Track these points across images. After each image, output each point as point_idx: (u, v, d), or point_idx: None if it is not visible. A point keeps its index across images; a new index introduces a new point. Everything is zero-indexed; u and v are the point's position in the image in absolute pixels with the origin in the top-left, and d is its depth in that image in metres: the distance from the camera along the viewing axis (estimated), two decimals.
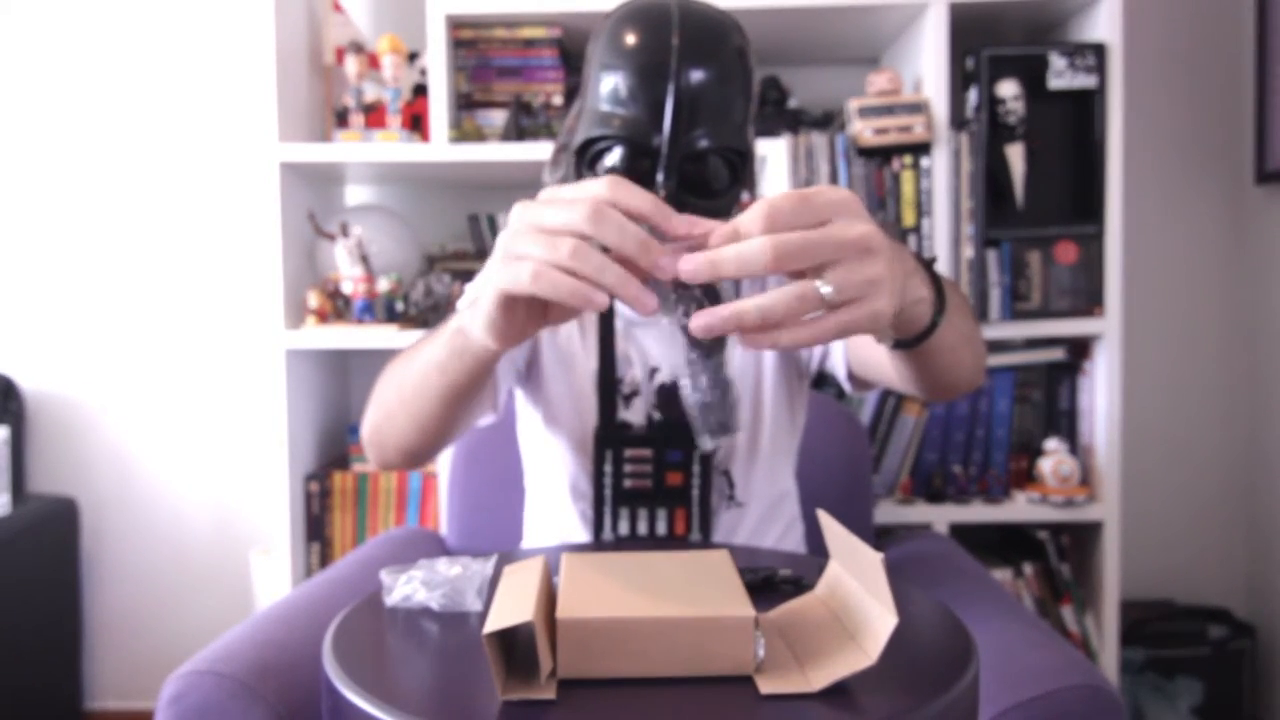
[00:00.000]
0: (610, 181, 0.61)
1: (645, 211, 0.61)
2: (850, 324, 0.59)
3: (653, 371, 1.10)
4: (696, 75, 0.92)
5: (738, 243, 0.58)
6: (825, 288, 0.58)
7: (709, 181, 0.97)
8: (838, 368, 1.11)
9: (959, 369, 0.89)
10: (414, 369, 0.87)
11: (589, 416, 1.09)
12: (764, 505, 1.14)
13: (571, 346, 1.11)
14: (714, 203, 0.98)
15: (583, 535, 1.12)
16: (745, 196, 1.07)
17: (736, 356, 1.10)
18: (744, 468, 1.12)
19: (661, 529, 1.05)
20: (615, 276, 0.59)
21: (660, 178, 0.93)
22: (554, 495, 1.14)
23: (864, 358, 1.02)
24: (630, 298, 0.59)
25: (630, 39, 0.94)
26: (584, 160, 0.99)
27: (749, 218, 0.59)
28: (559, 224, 0.61)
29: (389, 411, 0.93)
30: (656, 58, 0.92)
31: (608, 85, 0.95)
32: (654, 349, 1.11)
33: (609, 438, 1.04)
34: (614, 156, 0.96)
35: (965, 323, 0.85)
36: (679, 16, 0.94)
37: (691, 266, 0.58)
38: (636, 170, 0.96)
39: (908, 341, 0.75)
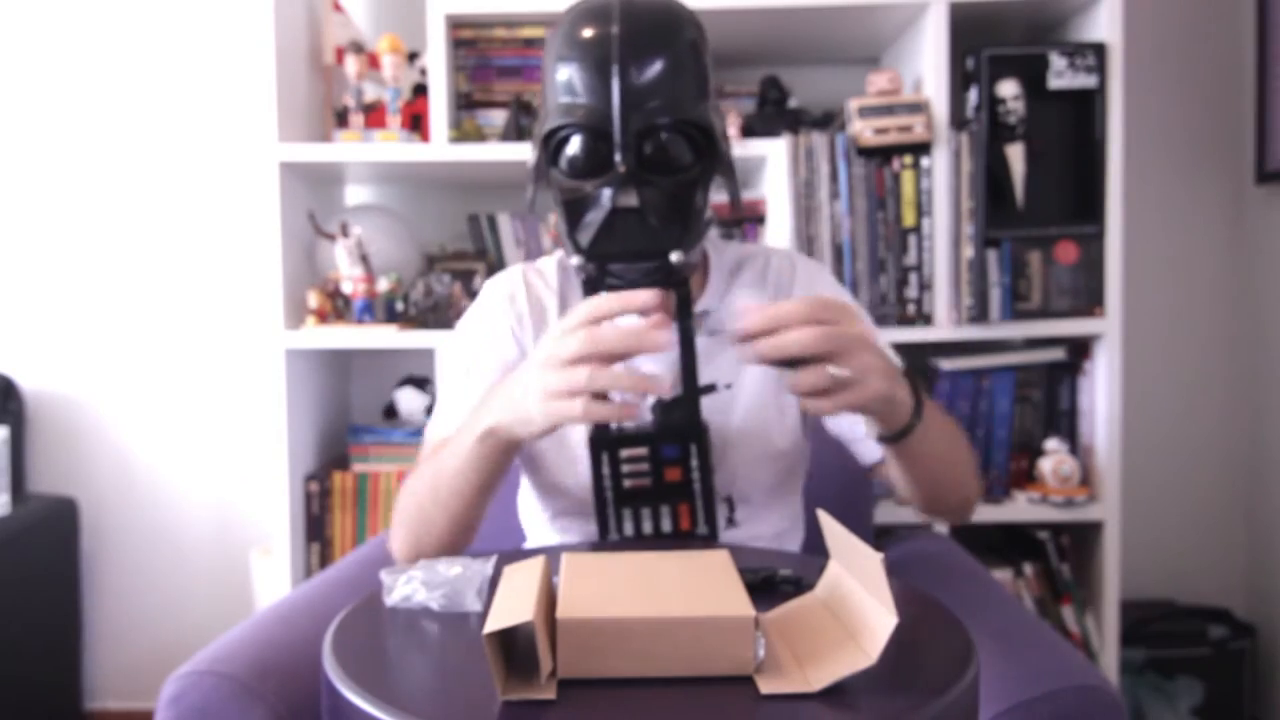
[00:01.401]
0: (598, 304, 0.81)
1: (638, 307, 0.81)
2: (857, 400, 0.79)
3: None
4: (640, 54, 0.95)
5: (791, 333, 0.78)
6: (837, 370, 0.77)
7: (669, 157, 0.98)
8: (862, 455, 1.17)
9: (947, 482, 1.01)
10: (445, 479, 0.96)
11: (582, 428, 1.08)
12: (768, 536, 1.16)
13: None
14: (677, 178, 0.98)
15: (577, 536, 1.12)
16: (725, 196, 1.07)
17: (742, 402, 1.12)
18: (746, 504, 1.13)
19: (667, 526, 1.04)
20: (629, 383, 0.80)
21: (617, 158, 0.95)
22: (554, 507, 1.15)
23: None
24: (644, 388, 0.82)
25: (576, 33, 0.97)
26: (549, 150, 1.01)
27: (795, 310, 0.78)
28: (573, 354, 0.80)
29: (425, 519, 0.99)
30: (600, 46, 0.95)
31: (562, 78, 0.98)
32: (647, 361, 1.10)
33: (603, 440, 1.04)
34: (574, 144, 0.98)
35: (947, 438, 0.98)
36: (620, 8, 0.97)
37: (758, 352, 0.79)
38: (596, 155, 0.97)
39: (893, 436, 0.90)
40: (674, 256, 0.97)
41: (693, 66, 0.99)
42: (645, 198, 0.96)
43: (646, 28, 0.97)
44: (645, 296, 0.82)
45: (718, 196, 1.11)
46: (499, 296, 1.16)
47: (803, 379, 0.79)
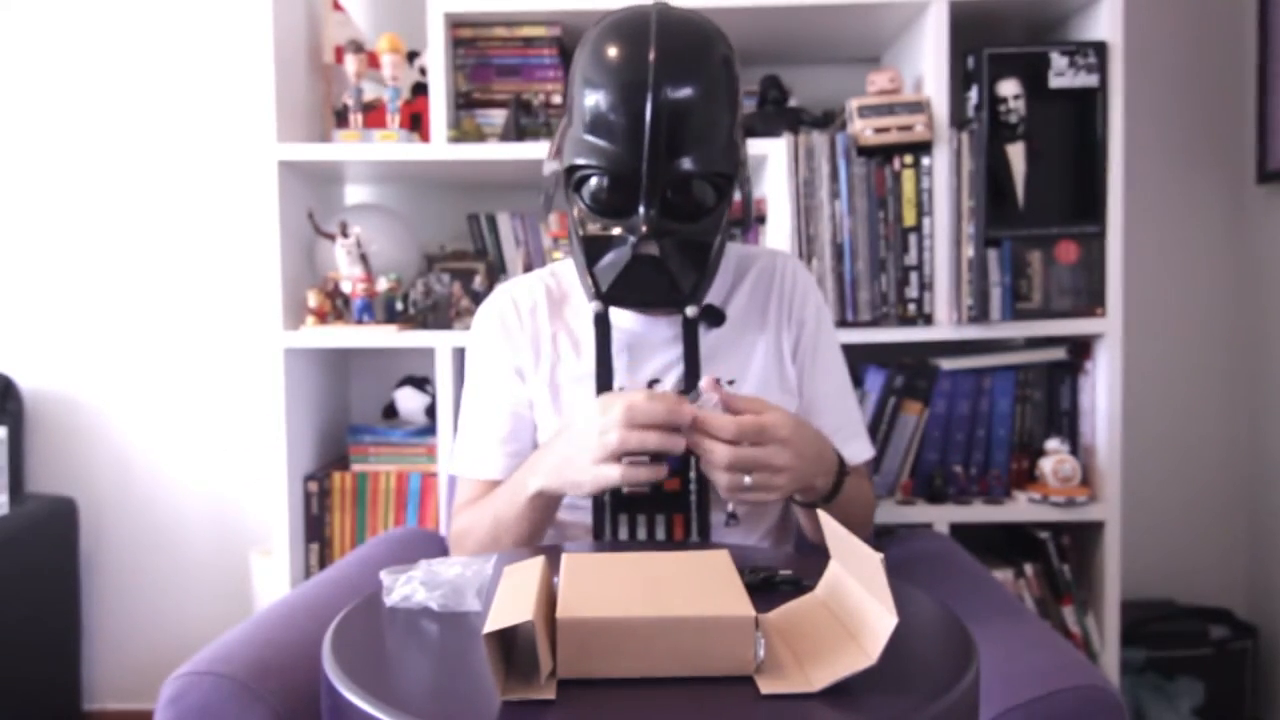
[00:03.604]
0: (629, 411, 0.89)
1: (661, 419, 0.89)
2: (761, 501, 0.95)
3: (652, 384, 1.12)
4: (676, 95, 0.93)
5: (724, 449, 0.89)
6: (748, 479, 0.90)
7: (694, 205, 0.98)
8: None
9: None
10: (503, 528, 1.05)
11: None
12: (763, 529, 1.16)
13: (580, 370, 1.13)
14: (699, 225, 0.99)
15: (578, 532, 1.12)
16: (738, 196, 1.08)
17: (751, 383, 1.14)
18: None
19: (661, 535, 1.05)
20: (656, 441, 0.90)
21: (641, 211, 0.94)
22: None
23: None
24: (657, 444, 0.90)
25: (608, 53, 0.95)
26: (570, 183, 1.00)
27: (728, 427, 0.90)
28: (613, 445, 0.89)
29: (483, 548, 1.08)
30: (634, 75, 0.93)
31: (590, 103, 0.96)
32: (653, 362, 1.12)
33: None
34: (599, 183, 0.97)
35: (847, 505, 1.06)
36: (657, 31, 0.94)
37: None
38: (621, 196, 0.97)
39: (806, 504, 1.04)
40: (689, 311, 1.02)
41: (728, 101, 0.98)
42: (665, 248, 0.97)
43: (686, 57, 0.94)
44: (664, 414, 0.90)
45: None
46: (488, 325, 1.18)
47: (721, 479, 0.91)
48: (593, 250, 0.99)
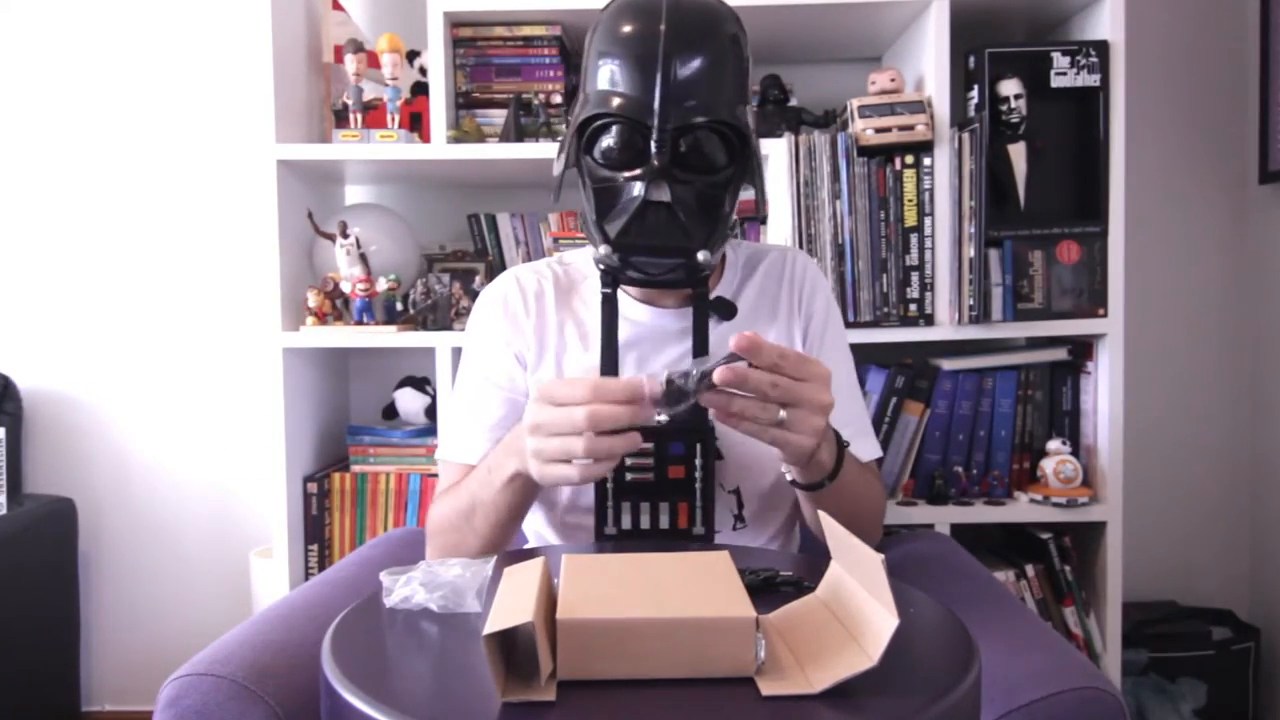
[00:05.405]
0: (592, 388, 0.85)
1: (627, 399, 0.85)
2: (782, 440, 0.87)
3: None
4: (685, 55, 0.97)
5: (758, 374, 0.83)
6: (783, 414, 0.85)
7: (704, 157, 1.00)
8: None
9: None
10: (478, 509, 1.02)
11: None
12: (770, 531, 1.16)
13: (586, 362, 1.12)
14: (710, 178, 1.00)
15: (583, 536, 1.12)
16: (751, 194, 1.08)
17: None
18: (753, 501, 1.12)
19: (665, 523, 1.04)
20: (622, 446, 0.86)
21: (653, 150, 0.96)
22: (554, 501, 1.14)
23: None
24: (633, 447, 0.87)
25: (623, 28, 0.99)
26: (583, 140, 1.02)
27: (783, 357, 0.84)
28: (571, 428, 0.84)
29: (461, 541, 1.05)
30: (647, 43, 0.97)
31: (604, 71, 0.99)
32: (663, 356, 1.12)
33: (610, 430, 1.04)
34: (611, 135, 1.00)
35: (851, 499, 1.03)
36: (667, 6, 0.98)
37: (730, 376, 0.83)
38: (632, 147, 0.99)
39: (804, 487, 0.99)
40: (701, 256, 1.00)
41: (734, 67, 1.01)
42: (677, 194, 0.98)
43: (693, 25, 0.98)
44: (633, 392, 0.85)
45: (743, 194, 1.12)
46: (491, 306, 1.17)
47: (750, 406, 0.85)
48: (603, 201, 1.00)
